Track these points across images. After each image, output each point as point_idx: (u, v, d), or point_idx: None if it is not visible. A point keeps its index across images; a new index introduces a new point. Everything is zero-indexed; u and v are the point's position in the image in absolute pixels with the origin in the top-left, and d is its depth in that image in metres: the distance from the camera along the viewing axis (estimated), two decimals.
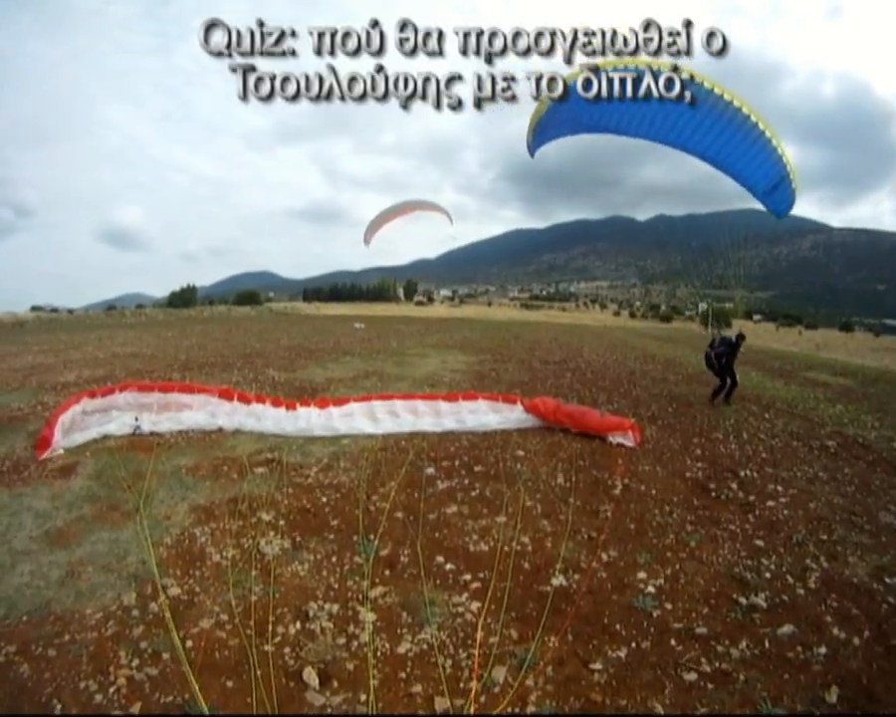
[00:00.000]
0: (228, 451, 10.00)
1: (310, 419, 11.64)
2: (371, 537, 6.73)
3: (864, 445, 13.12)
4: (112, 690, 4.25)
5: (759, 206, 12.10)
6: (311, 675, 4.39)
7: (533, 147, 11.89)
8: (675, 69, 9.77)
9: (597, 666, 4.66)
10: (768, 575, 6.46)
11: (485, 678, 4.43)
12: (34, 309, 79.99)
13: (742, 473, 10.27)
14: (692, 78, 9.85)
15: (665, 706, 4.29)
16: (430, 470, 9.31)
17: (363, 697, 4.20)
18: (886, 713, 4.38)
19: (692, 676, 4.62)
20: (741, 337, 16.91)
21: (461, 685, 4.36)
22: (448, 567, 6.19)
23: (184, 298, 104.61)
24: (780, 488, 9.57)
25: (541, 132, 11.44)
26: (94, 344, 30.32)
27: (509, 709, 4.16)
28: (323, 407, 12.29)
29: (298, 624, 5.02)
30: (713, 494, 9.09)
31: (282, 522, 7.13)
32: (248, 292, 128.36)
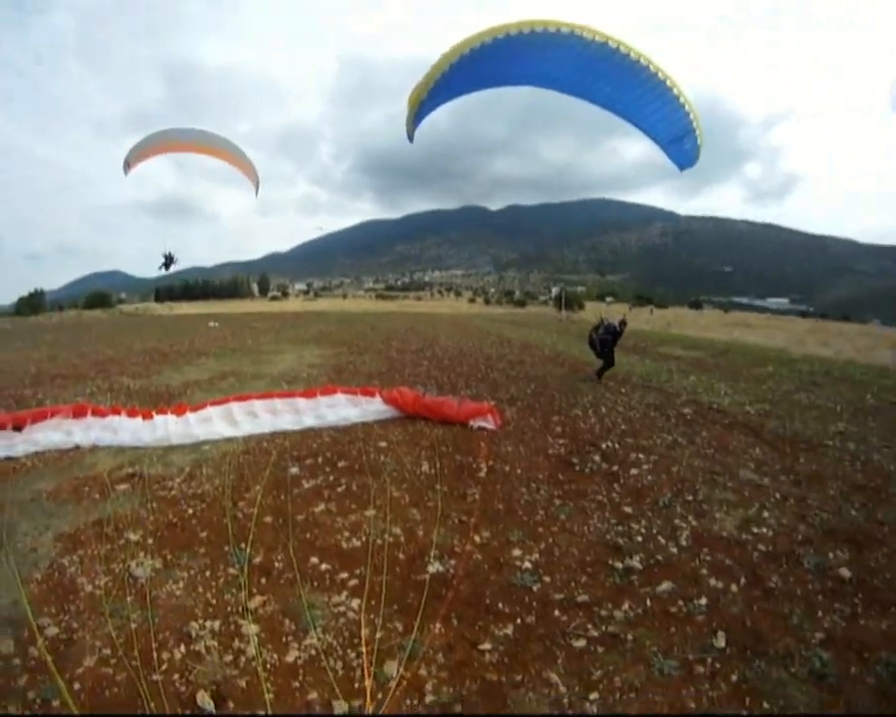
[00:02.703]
0: (88, 470, 9.30)
1: (167, 428, 11.13)
2: (243, 545, 6.45)
3: (719, 410, 14.05)
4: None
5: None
6: (204, 699, 4.14)
7: (413, 124, 11.58)
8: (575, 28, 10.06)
9: (487, 646, 4.69)
10: (639, 538, 6.76)
11: (377, 674, 4.36)
12: None
13: (603, 445, 10.69)
14: (594, 35, 10.13)
15: (560, 675, 4.36)
16: (294, 470, 9.06)
17: (261, 713, 4.03)
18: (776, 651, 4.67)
19: (581, 643, 4.74)
20: (623, 323, 18.06)
21: (356, 685, 4.26)
22: (323, 567, 6.02)
23: (32, 304, 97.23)
24: (641, 456, 10.08)
25: (425, 106, 11.15)
26: None
27: (407, 701, 4.11)
28: (180, 414, 11.79)
29: (182, 648, 4.71)
30: (577, 468, 9.41)
31: (150, 540, 6.69)
32: (99, 294, 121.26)
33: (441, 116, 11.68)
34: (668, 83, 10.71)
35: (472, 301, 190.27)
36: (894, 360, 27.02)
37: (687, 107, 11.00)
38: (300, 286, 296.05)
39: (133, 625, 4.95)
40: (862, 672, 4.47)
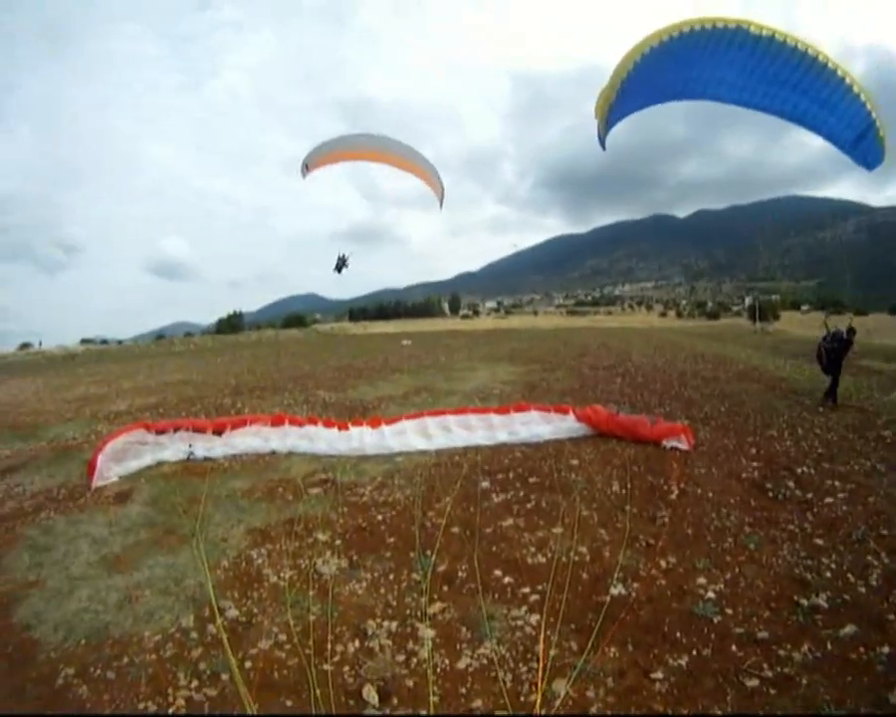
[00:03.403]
0: (282, 473, 10.11)
1: (362, 439, 11.74)
2: (428, 553, 6.75)
3: None
4: (171, 711, 4.37)
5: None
6: (370, 693, 4.44)
7: (605, 130, 11.45)
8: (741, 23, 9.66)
9: (658, 675, 4.63)
10: (828, 574, 6.35)
11: (546, 691, 4.41)
12: (84, 341, 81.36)
13: (798, 470, 10.08)
14: (763, 30, 9.68)
15: (727, 714, 4.24)
16: (485, 484, 9.30)
17: (423, 713, 4.24)
18: None
19: (754, 682, 4.56)
20: (851, 331, 16.09)
21: (521, 699, 4.37)
22: (506, 580, 6.19)
23: (232, 324, 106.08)
24: (837, 483, 9.39)
25: (612, 111, 11.04)
26: (144, 373, 31.05)
27: None
28: (375, 426, 12.39)
29: (356, 643, 5.06)
30: (770, 494, 8.95)
31: (338, 541, 7.19)
32: (294, 315, 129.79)
33: (620, 123, 11.44)
34: (843, 77, 9.89)
35: (663, 314, 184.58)
36: None
37: (865, 98, 10.09)
38: (490, 304, 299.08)
39: (312, 618, 5.34)
40: None
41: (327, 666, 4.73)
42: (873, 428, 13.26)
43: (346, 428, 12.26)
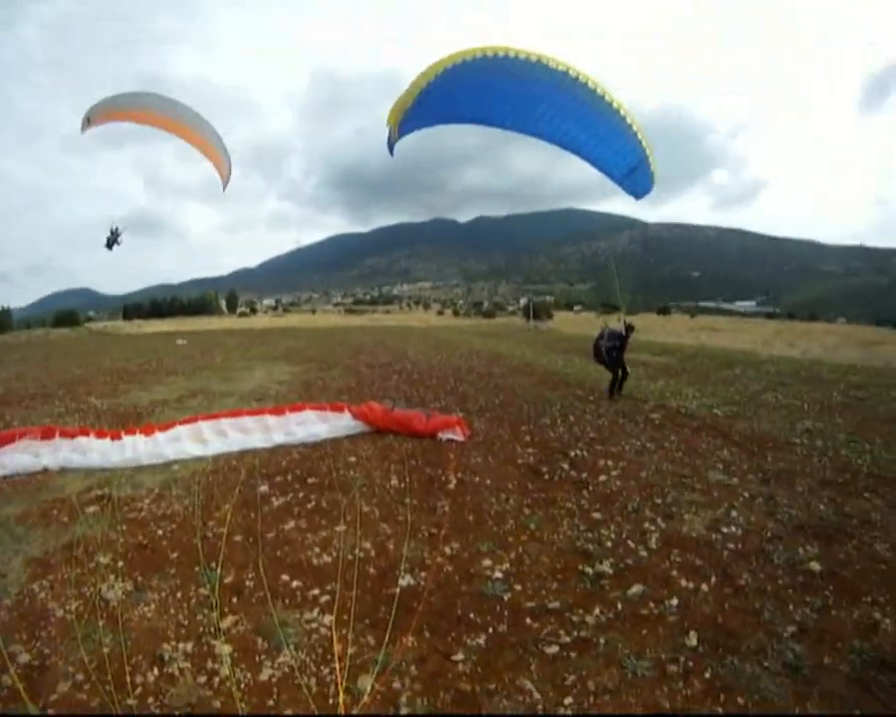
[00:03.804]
0: (56, 492, 9.17)
1: (136, 448, 11.00)
2: (213, 565, 6.37)
3: (687, 414, 14.23)
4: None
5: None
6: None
7: (396, 137, 11.55)
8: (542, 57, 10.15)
9: (459, 657, 4.69)
10: (609, 543, 6.80)
11: (351, 689, 4.34)
12: None
13: (572, 453, 10.77)
14: (557, 65, 10.22)
15: (534, 682, 4.37)
16: (264, 487, 9.00)
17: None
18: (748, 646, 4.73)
19: (554, 649, 4.74)
20: (630, 328, 16.83)
21: (330, 701, 4.23)
22: (294, 584, 5.99)
23: None
24: (610, 462, 10.16)
25: (406, 121, 11.18)
26: None
27: (382, 715, 4.12)
28: (148, 434, 11.64)
29: (155, 670, 4.64)
30: (546, 476, 9.46)
31: (121, 563, 6.59)
32: (67, 312, 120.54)
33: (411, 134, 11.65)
34: (623, 113, 10.77)
35: (441, 313, 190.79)
36: (861, 356, 27.61)
37: (640, 135, 11.07)
38: (268, 302, 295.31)
39: (106, 650, 4.87)
40: (836, 661, 4.55)
41: (130, 701, 4.29)
42: (642, 413, 14.50)
43: (120, 437, 11.43)
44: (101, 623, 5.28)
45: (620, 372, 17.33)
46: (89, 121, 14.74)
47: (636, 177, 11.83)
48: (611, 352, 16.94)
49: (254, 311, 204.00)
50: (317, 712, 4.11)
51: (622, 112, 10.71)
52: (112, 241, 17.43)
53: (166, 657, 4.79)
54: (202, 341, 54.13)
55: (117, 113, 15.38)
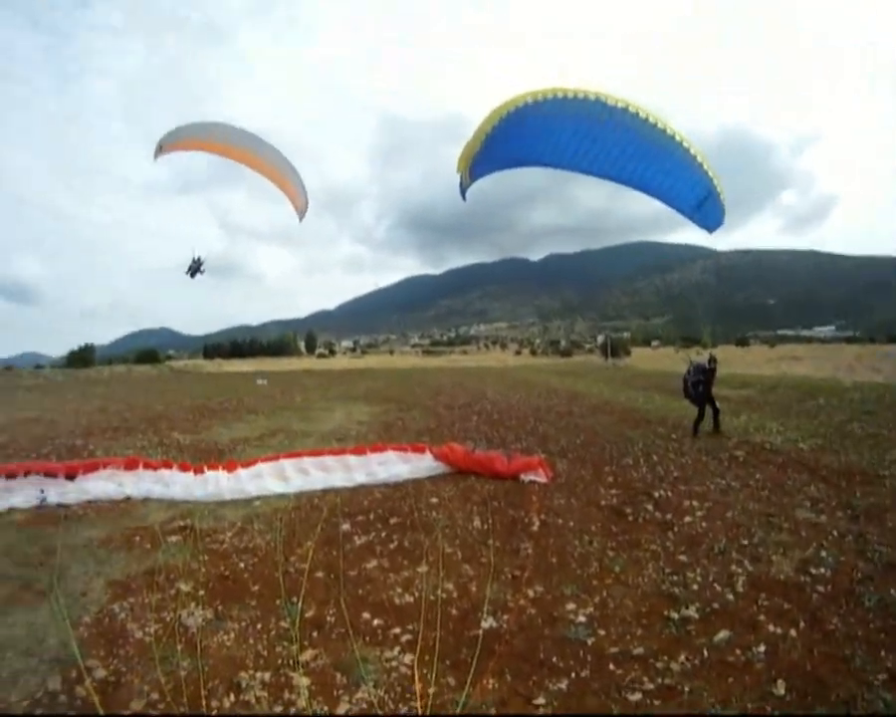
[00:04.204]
0: (139, 520, 9.58)
1: (219, 483, 11.37)
2: (294, 599, 6.51)
3: (772, 450, 13.88)
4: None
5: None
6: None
7: (467, 182, 11.83)
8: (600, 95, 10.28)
9: (541, 701, 4.63)
10: (695, 586, 6.66)
11: None
12: None
13: (656, 494, 10.60)
14: (616, 102, 10.32)
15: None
16: (346, 526, 9.13)
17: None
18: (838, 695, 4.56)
19: (637, 696, 4.65)
20: (713, 360, 16.84)
21: None
22: (375, 622, 6.04)
23: (83, 358, 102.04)
24: (695, 503, 9.96)
25: (475, 166, 11.48)
26: None
27: None
28: (231, 470, 12.02)
29: (231, 697, 4.76)
30: (630, 518, 9.33)
31: (201, 591, 6.82)
32: (148, 350, 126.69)
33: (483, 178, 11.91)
34: (686, 145, 10.72)
35: (518, 353, 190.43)
36: None
37: (706, 166, 11.00)
38: (346, 343, 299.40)
39: (183, 673, 5.01)
40: None
41: None
42: (725, 450, 14.21)
43: (202, 472, 11.84)
44: (179, 648, 5.44)
45: (710, 408, 17.08)
46: (161, 149, 14.78)
47: (706, 210, 11.73)
48: (697, 386, 16.75)
49: (332, 352, 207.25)
50: None
51: (685, 144, 10.67)
52: (194, 270, 17.60)
53: (243, 685, 4.89)
54: (282, 380, 55.30)
55: (189, 142, 15.41)
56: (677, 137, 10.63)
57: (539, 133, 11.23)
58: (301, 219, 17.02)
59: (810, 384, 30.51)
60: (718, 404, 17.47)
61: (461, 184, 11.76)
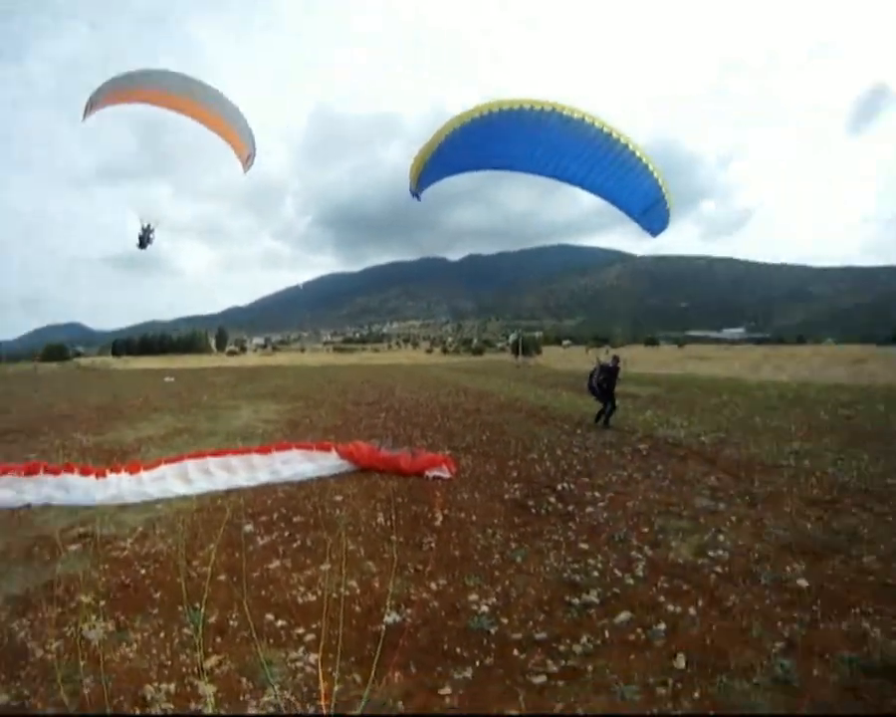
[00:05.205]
0: (38, 529, 9.10)
1: (120, 486, 10.94)
2: (197, 605, 6.29)
3: (674, 443, 14.36)
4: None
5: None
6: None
7: (416, 185, 11.96)
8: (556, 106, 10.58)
9: (446, 691, 4.66)
10: (596, 573, 6.83)
11: None
12: None
13: (559, 486, 10.83)
14: (573, 113, 10.61)
15: (521, 711, 4.35)
16: (249, 527, 8.93)
17: None
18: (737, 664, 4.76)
19: (541, 679, 4.73)
20: (616, 359, 18.23)
21: None
22: (279, 623, 5.93)
23: None
24: (597, 494, 10.23)
25: (427, 172, 11.65)
26: None
27: None
28: (133, 472, 11.58)
29: (137, 711, 4.57)
30: (532, 510, 9.50)
31: (102, 602, 6.51)
32: (55, 346, 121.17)
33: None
34: (639, 155, 11.12)
35: (429, 351, 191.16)
36: (847, 375, 28.01)
37: (656, 174, 11.41)
38: (258, 340, 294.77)
39: (87, 691, 4.79)
40: (825, 672, 4.61)
41: None
42: (629, 444, 14.63)
43: (104, 475, 11.35)
44: (82, 664, 5.20)
45: (609, 405, 17.84)
46: (92, 106, 13.22)
47: (653, 215, 12.17)
48: (602, 384, 17.78)
49: (243, 349, 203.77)
50: None
51: (638, 153, 11.06)
52: (144, 239, 16.41)
53: (149, 697, 4.72)
54: (191, 378, 54.21)
55: (123, 93, 13.75)
56: (630, 147, 11.01)
57: (495, 143, 11.56)
58: (245, 171, 15.90)
59: (716, 383, 31.78)
60: (617, 402, 18.30)
61: (410, 188, 11.87)
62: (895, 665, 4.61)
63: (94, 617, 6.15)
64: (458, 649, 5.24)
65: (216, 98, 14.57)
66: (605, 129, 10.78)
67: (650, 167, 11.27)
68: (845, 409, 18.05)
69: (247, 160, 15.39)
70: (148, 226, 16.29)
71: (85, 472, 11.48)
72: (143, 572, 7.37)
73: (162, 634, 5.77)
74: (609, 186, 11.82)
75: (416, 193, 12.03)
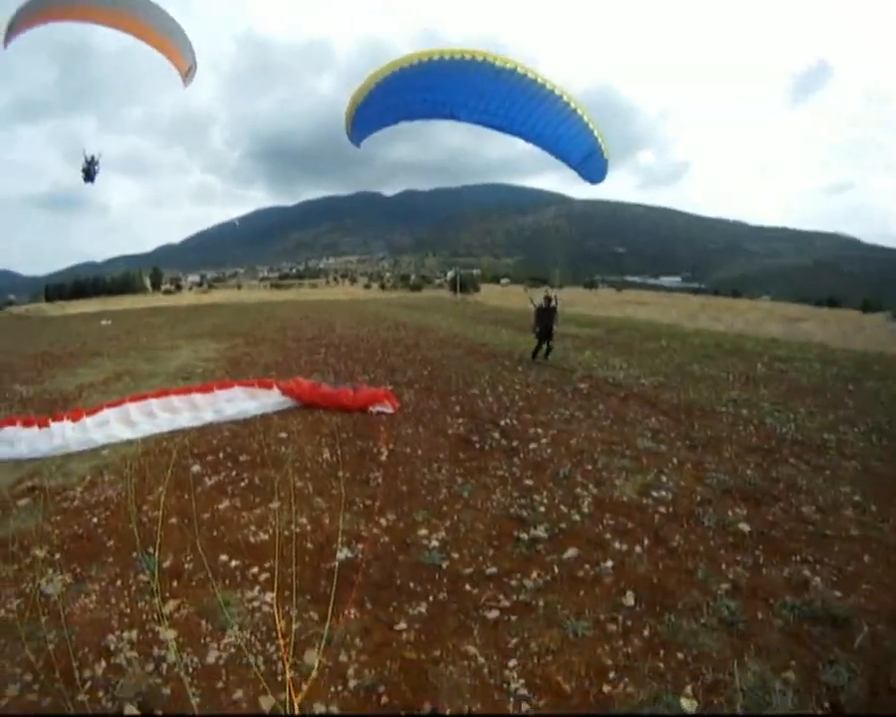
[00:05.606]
0: None
1: (65, 435, 10.58)
2: (151, 550, 6.22)
3: (614, 384, 14.59)
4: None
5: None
6: (132, 712, 4.01)
7: (356, 135, 12.13)
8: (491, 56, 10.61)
9: (402, 626, 4.77)
10: (542, 508, 6.99)
11: (298, 665, 4.35)
12: None
13: (502, 422, 10.96)
14: (506, 64, 10.64)
15: (477, 646, 4.48)
16: (196, 467, 8.83)
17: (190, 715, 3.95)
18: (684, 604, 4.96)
19: (495, 614, 4.86)
20: (549, 300, 18.19)
21: (279, 678, 4.22)
22: (233, 563, 5.93)
23: None
24: (540, 431, 10.40)
25: (361, 119, 11.69)
26: None
27: (331, 688, 4.13)
28: (76, 419, 11.23)
29: (103, 662, 4.51)
30: (477, 446, 9.63)
31: (58, 555, 6.35)
32: None
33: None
34: (574, 107, 11.20)
35: (367, 286, 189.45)
36: (783, 331, 28.76)
37: (592, 126, 11.50)
38: (193, 278, 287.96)
39: (52, 646, 4.73)
40: (769, 616, 4.82)
41: (81, 697, 4.16)
42: (570, 383, 14.79)
43: (47, 425, 10.99)
44: (43, 620, 5.13)
45: (547, 344, 18.10)
46: (11, 29, 12.05)
47: (591, 165, 12.32)
48: (537, 328, 18.22)
49: (179, 288, 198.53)
50: (268, 689, 4.10)
51: (572, 104, 11.16)
52: (90, 171, 15.54)
53: (112, 648, 4.69)
54: (127, 320, 52.67)
55: (50, 11, 12.55)
56: (564, 97, 11.10)
57: (428, 92, 11.50)
58: (186, 84, 14.77)
59: (654, 328, 32.22)
60: (552, 342, 18.46)
61: (347, 132, 11.73)
62: (836, 615, 4.81)
63: (50, 571, 6.03)
64: (411, 584, 5.35)
65: (147, 6, 13.40)
66: (539, 80, 10.88)
67: (585, 118, 11.42)
68: (781, 363, 18.53)
69: (187, 73, 14.41)
70: (93, 158, 15.46)
71: (27, 423, 11.12)
72: (95, 520, 7.23)
73: (119, 582, 5.71)
74: (546, 136, 11.93)
75: (354, 140, 11.97)
